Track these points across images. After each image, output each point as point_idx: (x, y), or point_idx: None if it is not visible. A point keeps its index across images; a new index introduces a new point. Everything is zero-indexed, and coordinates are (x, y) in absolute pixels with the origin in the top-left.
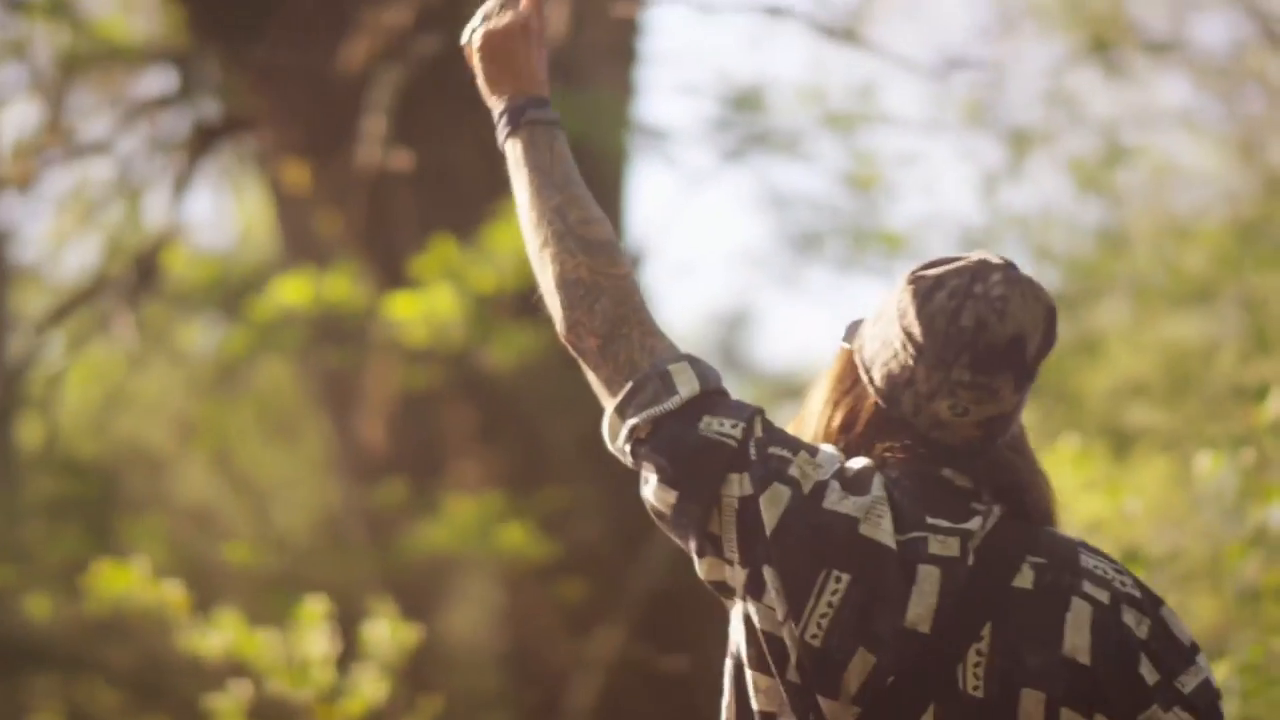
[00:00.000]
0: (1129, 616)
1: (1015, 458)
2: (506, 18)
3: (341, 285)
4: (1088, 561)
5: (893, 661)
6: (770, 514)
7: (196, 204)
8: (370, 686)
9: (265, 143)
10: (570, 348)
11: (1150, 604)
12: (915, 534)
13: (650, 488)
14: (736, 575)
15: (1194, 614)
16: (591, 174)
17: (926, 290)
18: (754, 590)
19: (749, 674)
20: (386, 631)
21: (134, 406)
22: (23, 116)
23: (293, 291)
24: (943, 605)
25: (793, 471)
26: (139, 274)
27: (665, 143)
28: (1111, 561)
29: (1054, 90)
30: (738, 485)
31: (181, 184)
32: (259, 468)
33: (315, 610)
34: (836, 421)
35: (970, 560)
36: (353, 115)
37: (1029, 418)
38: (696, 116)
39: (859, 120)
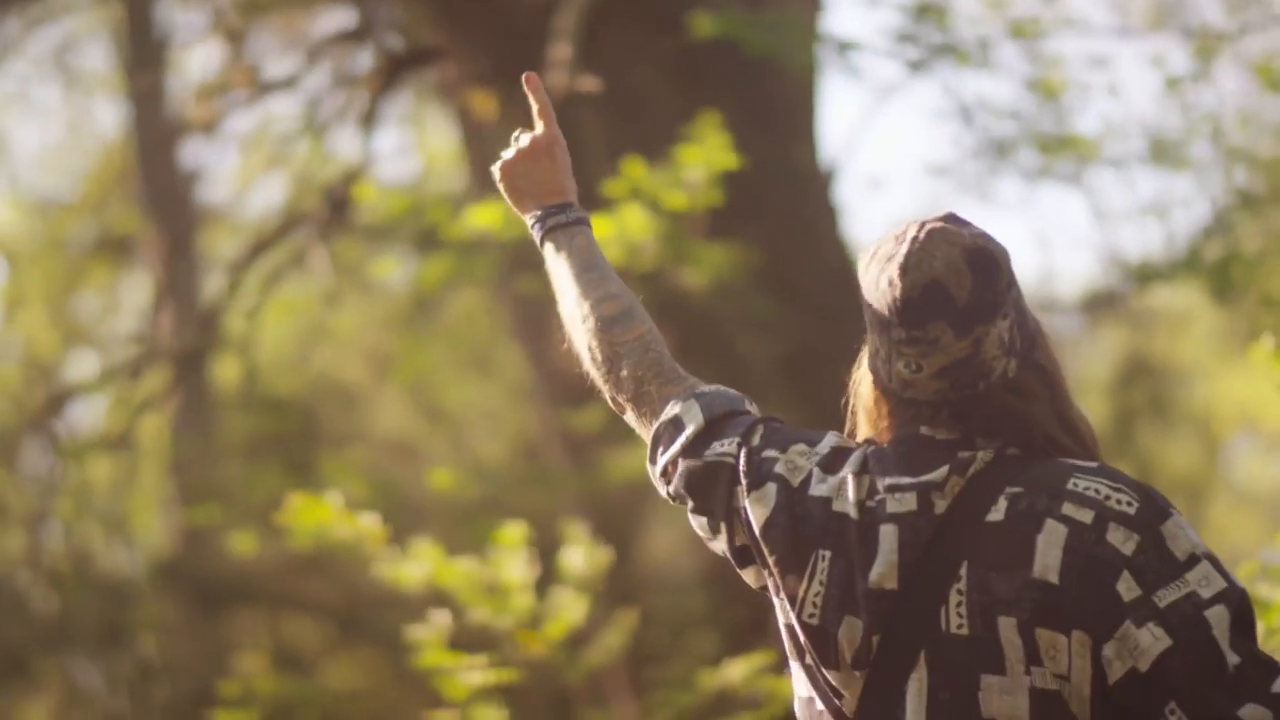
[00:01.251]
0: (1115, 534)
1: (1014, 399)
2: (524, 142)
3: None
4: (1078, 484)
5: (871, 621)
6: (758, 512)
7: (383, 138)
8: (569, 609)
9: (450, 74)
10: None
11: (1148, 519)
12: (876, 498)
13: (692, 523)
14: (765, 577)
15: None
16: (781, 93)
17: (863, 266)
18: (773, 587)
19: (790, 664)
20: (581, 555)
21: (330, 342)
22: (207, 58)
23: (485, 218)
24: (907, 559)
25: (779, 469)
26: (330, 210)
27: (852, 55)
28: (1115, 481)
29: None
30: (741, 496)
31: (368, 119)
32: (456, 399)
33: (513, 537)
34: (869, 404)
35: (939, 508)
36: (538, 42)
37: (1223, 322)
38: (881, 28)
39: (1044, 27)
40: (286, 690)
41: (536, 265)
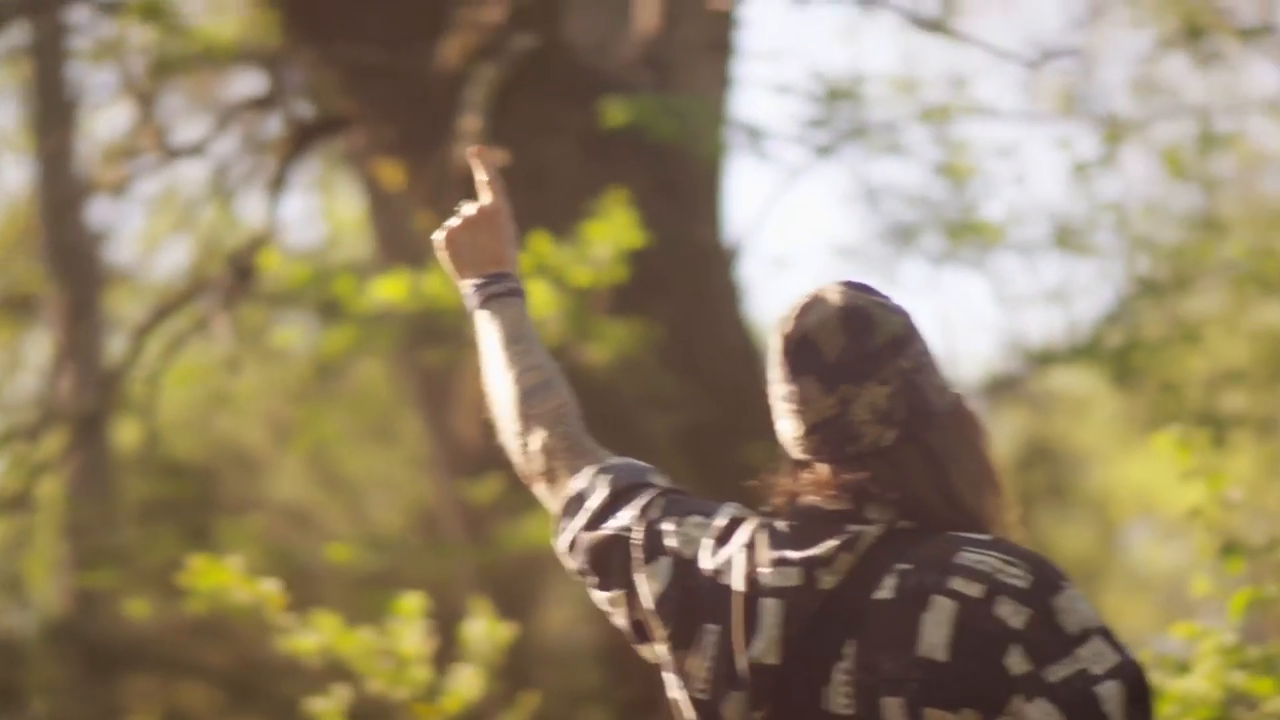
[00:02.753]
0: (1005, 608)
1: (889, 470)
2: (469, 211)
3: (437, 283)
4: (967, 558)
5: (753, 697)
6: (652, 587)
7: (290, 205)
8: (468, 684)
9: (359, 142)
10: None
11: (1040, 593)
12: (762, 570)
13: (595, 598)
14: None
15: None
16: (688, 172)
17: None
18: (665, 663)
19: None
20: (484, 629)
21: (231, 408)
22: (116, 120)
23: (390, 289)
24: (790, 634)
25: (673, 542)
26: (235, 275)
27: (760, 138)
28: (1007, 554)
29: (1146, 78)
30: (637, 570)
31: (276, 184)
32: (355, 467)
33: (412, 607)
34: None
35: (825, 584)
36: (447, 114)
37: (1123, 407)
38: (790, 111)
39: (953, 112)
40: None
41: (438, 336)
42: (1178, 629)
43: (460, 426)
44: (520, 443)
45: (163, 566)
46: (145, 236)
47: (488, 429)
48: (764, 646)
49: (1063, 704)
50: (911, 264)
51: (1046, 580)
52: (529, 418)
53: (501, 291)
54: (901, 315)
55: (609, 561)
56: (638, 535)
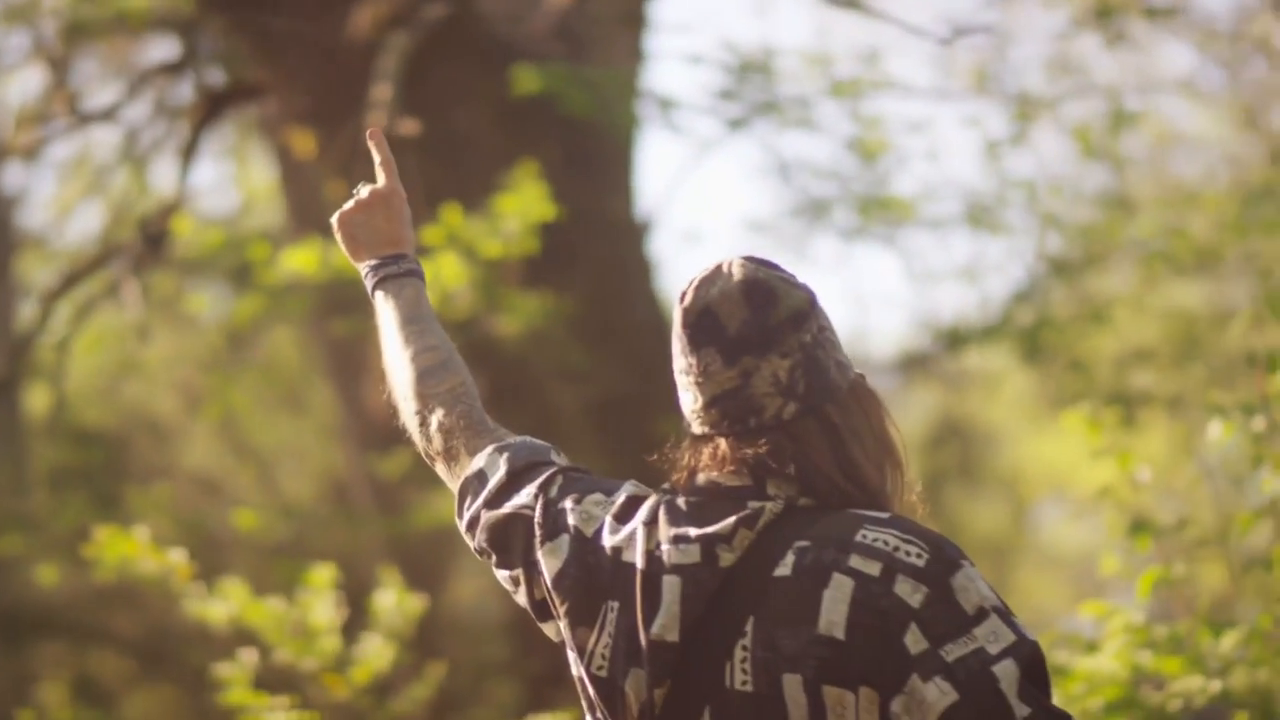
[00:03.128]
0: (903, 586)
1: (788, 443)
2: (364, 194)
3: None
4: (867, 535)
5: (653, 674)
6: (551, 564)
7: (202, 172)
8: (376, 655)
9: (271, 110)
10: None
11: (938, 572)
12: (662, 549)
13: (497, 576)
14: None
15: (1202, 582)
16: (600, 145)
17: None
18: (566, 640)
19: (585, 718)
20: (393, 600)
21: (141, 375)
22: (28, 84)
23: (300, 260)
24: (689, 610)
25: (573, 519)
26: (146, 242)
27: (672, 111)
28: (906, 532)
29: (1058, 57)
30: (537, 548)
31: (187, 151)
32: (265, 436)
33: (322, 578)
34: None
35: (725, 561)
36: (360, 83)
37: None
38: (703, 85)
39: (865, 88)
40: None
41: (349, 307)
42: (1086, 608)
43: (370, 398)
44: (419, 422)
45: (72, 534)
46: (57, 202)
47: (391, 407)
48: (664, 623)
49: (959, 682)
50: (823, 239)
51: (944, 559)
52: (427, 397)
53: (398, 273)
54: (803, 290)
55: (509, 540)
56: (538, 513)
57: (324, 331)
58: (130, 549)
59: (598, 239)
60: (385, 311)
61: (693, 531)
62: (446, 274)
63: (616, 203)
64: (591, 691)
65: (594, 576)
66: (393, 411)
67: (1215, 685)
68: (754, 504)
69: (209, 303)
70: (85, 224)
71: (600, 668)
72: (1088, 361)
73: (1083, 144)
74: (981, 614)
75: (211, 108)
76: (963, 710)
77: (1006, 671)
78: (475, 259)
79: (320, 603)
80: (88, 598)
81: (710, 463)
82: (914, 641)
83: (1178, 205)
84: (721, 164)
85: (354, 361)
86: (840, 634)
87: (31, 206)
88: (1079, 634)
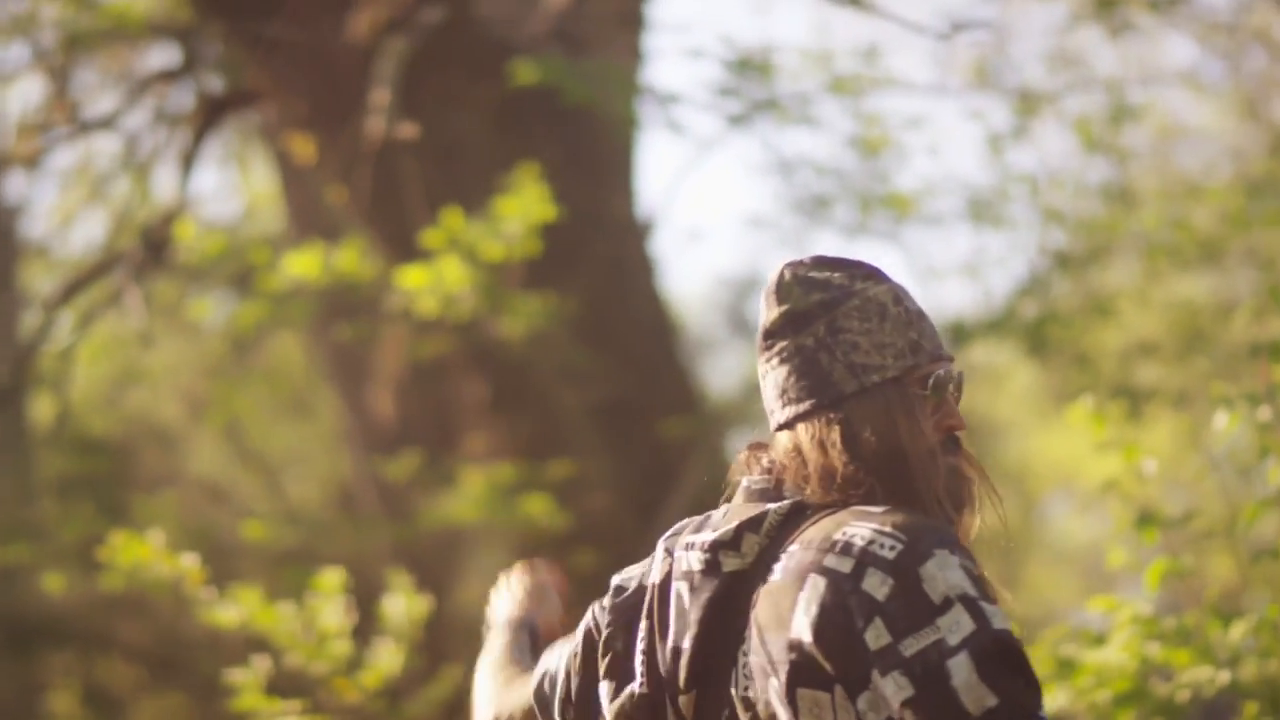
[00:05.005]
0: (871, 580)
1: (790, 446)
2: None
3: (350, 258)
4: (847, 532)
5: (678, 684)
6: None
7: (203, 178)
8: (387, 659)
9: (271, 116)
10: None
11: (906, 563)
12: (675, 555)
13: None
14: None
15: (1210, 574)
16: (600, 145)
17: None
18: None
19: None
20: (402, 604)
21: (145, 382)
22: (28, 93)
23: (302, 265)
24: (697, 618)
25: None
26: (148, 249)
27: (673, 109)
28: (885, 525)
29: (1059, 50)
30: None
31: (188, 158)
32: (271, 442)
33: (331, 583)
34: None
35: (729, 566)
36: (358, 88)
37: (1039, 380)
38: (703, 82)
39: (865, 84)
40: None
41: (352, 312)
42: (1095, 601)
43: (375, 402)
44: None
45: (79, 542)
46: (59, 210)
47: (401, 404)
48: (679, 630)
49: (915, 676)
50: (824, 236)
51: (916, 549)
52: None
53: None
54: (824, 290)
55: (589, 660)
56: (592, 614)
57: (328, 336)
58: (143, 554)
59: (599, 239)
60: (485, 653)
61: (701, 539)
62: (449, 277)
63: (617, 203)
64: (628, 709)
65: (626, 614)
66: (404, 407)
67: (1224, 676)
68: (769, 507)
69: (212, 309)
70: (87, 232)
71: (642, 685)
72: (1092, 355)
73: (1084, 137)
74: (947, 603)
75: (211, 114)
76: (916, 706)
77: (959, 666)
78: (477, 261)
79: (330, 607)
80: (96, 606)
81: (742, 465)
82: (875, 637)
83: (1180, 198)
84: (722, 162)
85: (358, 366)
86: (808, 636)
87: (33, 216)
88: (1088, 628)
